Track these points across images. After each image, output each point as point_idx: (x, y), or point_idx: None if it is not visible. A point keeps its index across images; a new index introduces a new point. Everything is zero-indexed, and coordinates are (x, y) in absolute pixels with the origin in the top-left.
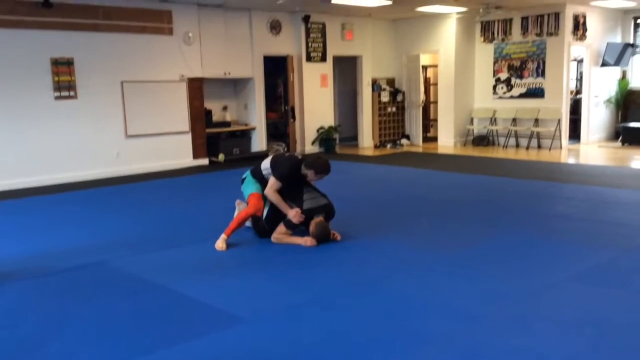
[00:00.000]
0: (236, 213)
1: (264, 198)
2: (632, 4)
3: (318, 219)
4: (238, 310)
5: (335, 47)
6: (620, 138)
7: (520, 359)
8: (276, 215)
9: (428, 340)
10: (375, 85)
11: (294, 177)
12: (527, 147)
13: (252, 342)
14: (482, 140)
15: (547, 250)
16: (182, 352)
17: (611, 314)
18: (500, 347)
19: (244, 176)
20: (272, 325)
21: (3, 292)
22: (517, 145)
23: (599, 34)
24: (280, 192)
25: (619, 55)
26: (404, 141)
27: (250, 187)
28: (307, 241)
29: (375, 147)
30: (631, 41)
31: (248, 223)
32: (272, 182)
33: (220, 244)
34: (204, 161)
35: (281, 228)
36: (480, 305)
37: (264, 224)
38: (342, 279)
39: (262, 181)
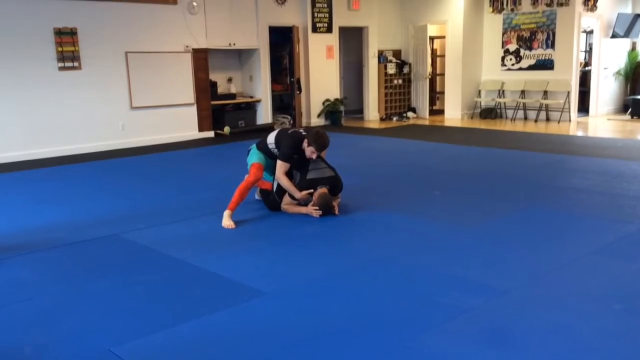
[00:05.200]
0: (256, 196)
1: (266, 168)
2: None
3: (322, 190)
4: (257, 284)
5: (342, 18)
6: (629, 111)
7: (550, 334)
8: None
9: (456, 315)
10: (382, 57)
11: (298, 153)
12: (536, 120)
13: (274, 315)
14: (490, 113)
15: (567, 224)
16: (202, 326)
17: (638, 288)
18: (529, 322)
19: (249, 148)
20: (294, 299)
21: (16, 264)
22: (525, 118)
23: (610, 4)
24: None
25: (629, 26)
26: (410, 114)
27: (252, 157)
28: (312, 212)
29: (381, 119)
30: None
31: (257, 196)
32: (280, 165)
33: (226, 221)
34: (210, 134)
35: (287, 198)
36: (504, 279)
37: (274, 197)
38: (360, 253)
39: (268, 154)
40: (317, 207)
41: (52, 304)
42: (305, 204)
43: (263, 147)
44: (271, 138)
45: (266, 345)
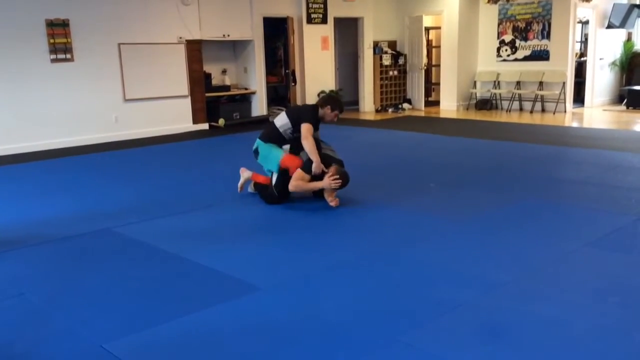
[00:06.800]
0: (241, 182)
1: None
2: None
3: (335, 165)
4: (251, 278)
5: (336, 8)
6: (624, 101)
7: (545, 328)
8: (285, 183)
9: (450, 309)
10: (377, 48)
11: (317, 121)
12: (531, 111)
13: (269, 310)
14: (485, 104)
15: (563, 217)
16: (196, 321)
17: (635, 281)
18: (524, 316)
19: (255, 147)
20: (288, 294)
21: (7, 260)
22: (521, 109)
23: None
24: (296, 147)
25: (624, 16)
26: (405, 105)
27: (273, 154)
28: (331, 183)
29: (377, 111)
30: (637, 2)
31: (251, 188)
32: (307, 128)
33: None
34: (204, 126)
35: (299, 174)
36: (500, 273)
37: (272, 191)
38: (357, 247)
39: (281, 140)
40: (336, 177)
41: (44, 299)
42: (317, 179)
43: (272, 137)
44: (281, 121)
45: (260, 340)
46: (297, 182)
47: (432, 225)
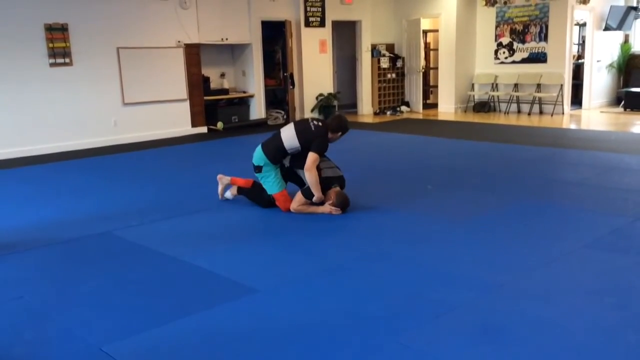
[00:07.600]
0: (220, 189)
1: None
2: None
3: (336, 188)
4: (250, 281)
5: (334, 12)
6: (622, 103)
7: (541, 329)
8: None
9: (448, 310)
10: (375, 51)
11: (326, 149)
12: (529, 113)
13: (268, 312)
14: (483, 107)
15: (560, 218)
16: (195, 324)
17: (631, 282)
18: (520, 318)
19: (258, 164)
20: (286, 296)
21: (7, 263)
22: (519, 111)
23: None
24: (297, 159)
25: (622, 18)
26: (403, 108)
27: (273, 182)
28: (332, 210)
29: (375, 114)
30: (634, 4)
31: (229, 195)
32: (314, 159)
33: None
34: (203, 129)
35: (300, 198)
36: (497, 274)
37: (269, 197)
38: (356, 249)
39: (284, 154)
40: (337, 207)
41: (43, 302)
42: (320, 204)
43: (272, 150)
44: (290, 142)
45: (259, 342)
46: (300, 206)
47: (429, 226)
